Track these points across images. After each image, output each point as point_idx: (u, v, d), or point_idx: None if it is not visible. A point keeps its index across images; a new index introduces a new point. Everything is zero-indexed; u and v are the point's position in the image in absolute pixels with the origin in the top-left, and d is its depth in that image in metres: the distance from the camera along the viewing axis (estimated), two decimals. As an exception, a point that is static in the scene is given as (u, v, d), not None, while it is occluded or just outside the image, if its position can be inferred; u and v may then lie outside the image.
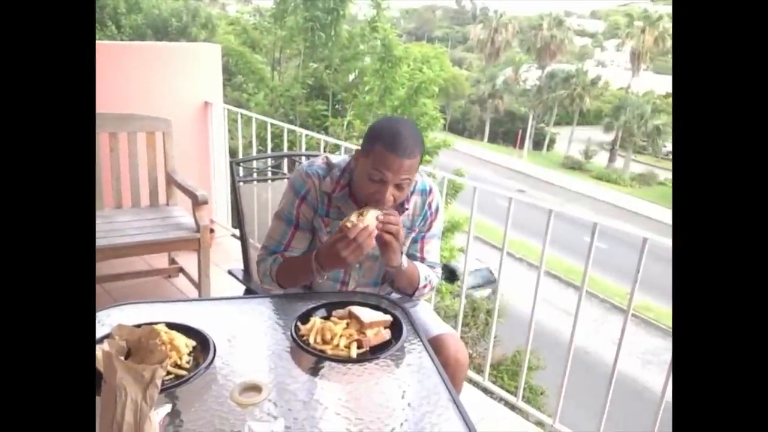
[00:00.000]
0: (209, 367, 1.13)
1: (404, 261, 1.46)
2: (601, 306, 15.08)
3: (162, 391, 1.05)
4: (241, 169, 2.10)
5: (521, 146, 32.23)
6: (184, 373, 1.10)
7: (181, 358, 1.14)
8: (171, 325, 1.23)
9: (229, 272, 1.95)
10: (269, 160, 2.31)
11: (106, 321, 1.31)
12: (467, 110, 36.25)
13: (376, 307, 1.35)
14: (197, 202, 2.57)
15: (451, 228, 7.52)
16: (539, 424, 2.36)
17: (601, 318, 14.30)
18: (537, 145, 33.59)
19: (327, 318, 1.31)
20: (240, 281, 1.90)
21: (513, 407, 2.38)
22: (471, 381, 2.46)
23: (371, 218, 1.33)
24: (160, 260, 3.13)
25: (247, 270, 1.95)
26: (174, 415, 1.02)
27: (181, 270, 2.96)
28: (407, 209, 1.55)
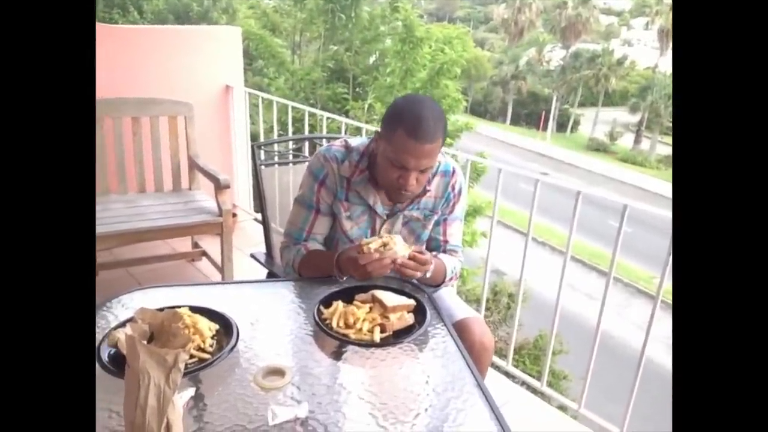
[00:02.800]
0: (232, 350, 1.13)
1: (431, 269, 1.41)
2: (625, 290, 14.89)
3: (185, 374, 1.05)
4: (262, 152, 2.09)
5: (544, 128, 31.73)
6: (207, 356, 1.10)
7: (204, 342, 1.14)
8: (194, 309, 1.23)
9: (252, 256, 1.95)
10: (290, 143, 2.29)
11: (129, 304, 1.32)
12: (489, 92, 35.75)
13: (400, 291, 1.33)
14: (219, 187, 2.57)
15: (473, 212, 7.44)
16: (562, 408, 2.33)
17: (624, 302, 14.12)
18: (561, 127, 33.02)
19: (349, 302, 1.29)
20: (262, 265, 1.90)
21: (536, 392, 2.35)
22: (494, 365, 2.43)
23: (393, 251, 1.30)
24: (183, 244, 3.15)
25: (269, 254, 1.95)
26: (197, 398, 1.02)
27: (204, 254, 2.98)
28: (429, 190, 1.52)
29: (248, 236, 3.41)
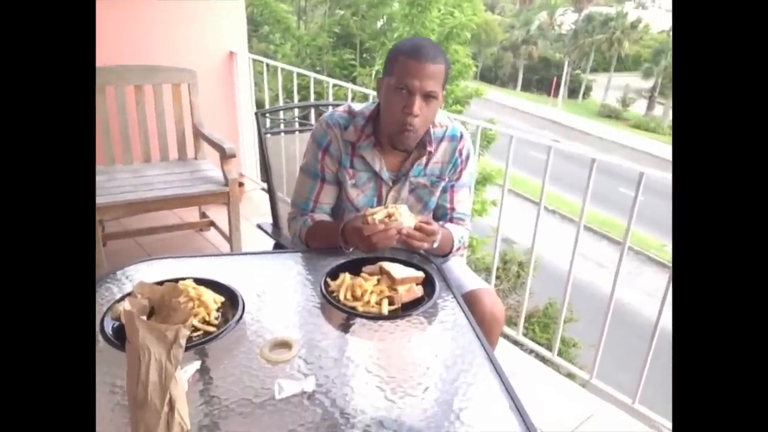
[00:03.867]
0: (238, 323, 1.11)
1: (438, 238, 1.37)
2: (636, 258, 14.84)
3: (191, 347, 1.04)
4: (267, 120, 2.04)
5: (556, 94, 31.20)
6: (212, 329, 1.08)
7: (209, 314, 1.11)
8: (199, 281, 1.20)
9: (258, 226, 1.93)
10: (296, 111, 2.23)
11: (134, 276, 1.30)
12: (500, 57, 35.10)
13: (408, 263, 1.30)
14: (225, 156, 2.54)
15: (483, 180, 7.35)
16: (570, 376, 2.32)
17: (635, 270, 14.10)
18: (572, 93, 32.45)
19: (357, 274, 1.26)
20: (269, 235, 1.88)
21: (546, 361, 2.34)
22: (503, 334, 2.42)
23: (399, 222, 1.26)
24: (191, 214, 3.14)
25: (276, 224, 1.92)
26: (203, 372, 1.00)
27: (212, 224, 2.96)
28: (431, 152, 1.48)
29: (256, 205, 3.38)
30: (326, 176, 1.51)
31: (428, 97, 1.34)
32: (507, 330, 2.40)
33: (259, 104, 4.81)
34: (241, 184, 3.36)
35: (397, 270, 1.23)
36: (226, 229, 2.69)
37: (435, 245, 1.40)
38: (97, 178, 2.53)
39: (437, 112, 1.43)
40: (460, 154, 1.52)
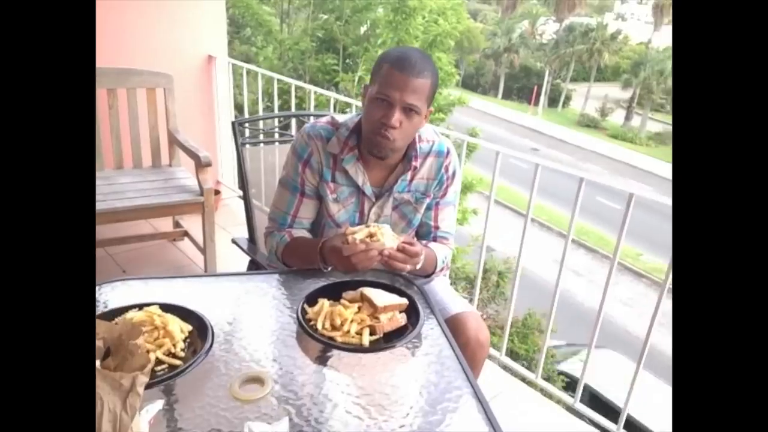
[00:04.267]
0: (206, 356, 1.02)
1: (421, 259, 1.31)
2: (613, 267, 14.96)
3: (154, 383, 0.95)
4: (247, 130, 1.96)
5: (536, 103, 31.52)
6: (178, 363, 1.00)
7: (175, 346, 1.03)
8: (166, 307, 1.12)
9: (233, 241, 1.84)
10: (275, 120, 2.15)
11: (98, 299, 1.20)
12: (481, 65, 35.32)
13: (391, 288, 1.23)
14: (200, 164, 2.44)
15: (464, 189, 7.32)
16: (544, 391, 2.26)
17: (611, 279, 14.21)
18: (552, 102, 32.81)
19: (336, 299, 1.19)
20: (245, 252, 1.79)
21: (530, 381, 2.29)
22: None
23: (381, 242, 1.20)
24: (165, 223, 3.03)
25: (252, 239, 1.84)
26: (167, 411, 0.92)
27: (186, 234, 2.86)
28: (416, 167, 1.42)
29: (233, 214, 3.28)
30: (306, 190, 1.44)
31: (409, 110, 1.28)
32: (491, 351, 2.34)
33: (239, 107, 4.70)
34: (217, 192, 3.25)
35: (379, 296, 1.16)
36: (200, 239, 2.59)
37: (418, 267, 1.34)
38: (65, 185, 2.42)
39: (420, 126, 1.37)
40: (447, 170, 1.46)
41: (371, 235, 1.21)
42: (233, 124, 1.83)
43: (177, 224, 2.96)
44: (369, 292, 1.17)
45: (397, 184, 1.43)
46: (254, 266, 1.76)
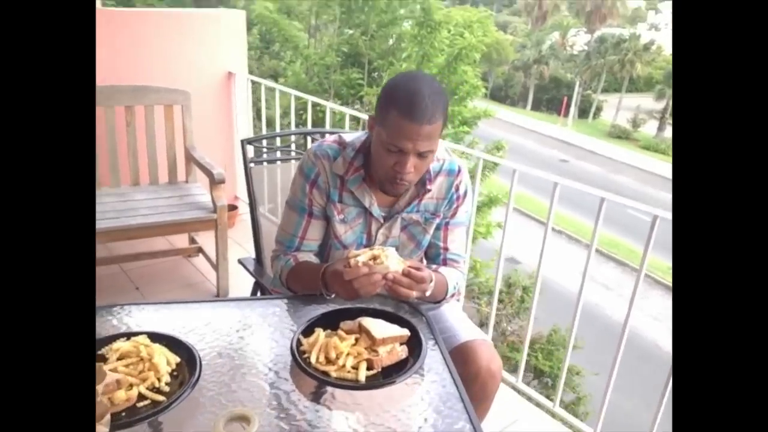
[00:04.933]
0: (192, 390, 0.97)
1: (430, 286, 1.24)
2: (643, 281, 14.55)
3: (137, 421, 0.90)
4: (263, 148, 1.91)
5: (566, 114, 31.10)
6: (161, 398, 0.95)
7: (160, 380, 0.98)
8: (155, 336, 1.07)
9: (240, 262, 1.80)
10: (291, 137, 2.11)
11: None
12: (510, 77, 35.12)
13: (393, 316, 1.16)
14: (214, 181, 2.42)
15: (489, 202, 7.21)
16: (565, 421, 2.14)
17: (642, 293, 13.76)
18: (583, 113, 32.33)
19: (335, 329, 1.12)
20: (250, 273, 1.75)
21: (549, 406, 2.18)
22: (504, 381, 2.26)
23: (385, 266, 1.12)
24: (181, 239, 3.02)
25: (258, 261, 1.80)
26: (144, 453, 0.86)
27: (201, 250, 2.84)
28: (430, 190, 1.35)
29: (249, 230, 3.25)
30: (314, 211, 1.39)
31: (423, 155, 1.21)
32: (508, 377, 2.24)
33: (271, 122, 4.71)
34: (234, 208, 3.24)
35: (378, 328, 1.09)
36: (214, 256, 2.56)
37: (428, 293, 1.27)
38: (81, 202, 2.43)
39: (433, 160, 1.30)
40: (457, 189, 1.39)
41: (375, 258, 1.14)
42: (242, 142, 1.80)
43: (192, 240, 2.95)
44: (367, 322, 1.10)
45: (406, 206, 1.37)
46: (258, 288, 1.71)
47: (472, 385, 1.30)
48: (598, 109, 32.45)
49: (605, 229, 14.96)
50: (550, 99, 33.62)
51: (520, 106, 34.58)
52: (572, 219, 15.13)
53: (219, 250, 2.47)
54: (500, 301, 7.37)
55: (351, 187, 1.34)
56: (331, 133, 1.52)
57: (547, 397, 2.16)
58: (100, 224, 2.27)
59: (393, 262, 1.13)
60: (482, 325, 7.64)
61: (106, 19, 2.80)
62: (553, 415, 2.09)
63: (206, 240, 2.82)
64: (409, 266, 1.16)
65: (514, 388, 2.21)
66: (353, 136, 1.39)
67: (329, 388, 1.02)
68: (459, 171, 1.39)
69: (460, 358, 1.32)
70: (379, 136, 1.22)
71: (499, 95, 35.08)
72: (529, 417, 2.09)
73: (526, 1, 36.28)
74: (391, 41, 8.41)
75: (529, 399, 2.18)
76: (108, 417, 0.64)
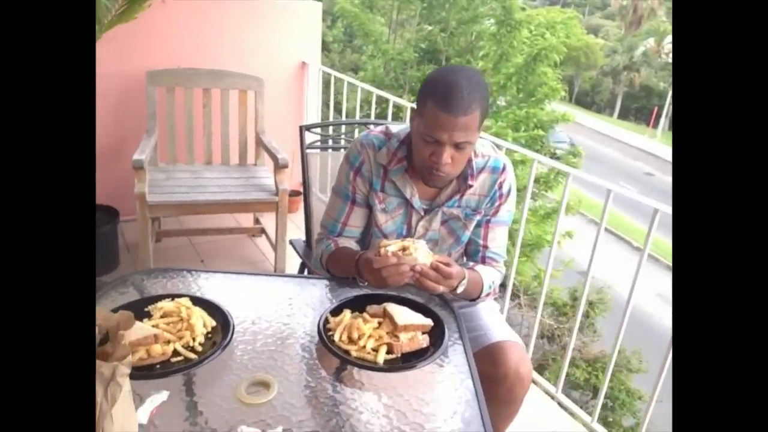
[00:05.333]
0: (222, 352, 1.04)
1: (462, 284, 1.26)
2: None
3: (167, 374, 0.99)
4: (320, 136, 1.98)
5: (655, 125, 29.45)
6: (193, 356, 1.02)
7: (194, 339, 1.06)
8: (196, 300, 1.16)
9: (290, 242, 1.88)
10: (351, 126, 2.17)
11: (149, 288, 1.28)
12: (598, 82, 33.69)
13: (422, 307, 1.18)
14: (278, 165, 2.53)
15: (553, 211, 7.00)
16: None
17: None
18: (674, 125, 30.49)
19: (362, 311, 1.16)
20: (299, 254, 1.82)
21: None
22: (547, 392, 2.22)
23: (413, 257, 1.15)
24: (246, 219, 3.17)
25: (308, 243, 1.87)
26: (171, 403, 0.94)
27: (263, 231, 2.97)
28: (472, 185, 1.36)
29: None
30: (357, 198, 1.43)
31: (460, 145, 1.23)
32: (547, 386, 2.20)
33: (342, 113, 4.82)
34: (299, 193, 3.35)
35: (402, 314, 1.12)
36: (274, 237, 2.67)
37: (459, 290, 1.28)
38: (157, 175, 2.61)
39: (472, 151, 1.32)
40: (500, 187, 1.39)
41: (404, 249, 1.17)
42: (301, 128, 1.87)
43: (257, 221, 3.09)
44: (392, 308, 1.13)
45: (448, 199, 1.38)
46: (305, 268, 1.78)
47: (500, 386, 1.30)
48: (692, 122, 30.46)
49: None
50: (639, 108, 31.95)
51: (607, 113, 33.12)
52: (656, 235, 14.35)
53: (279, 231, 2.57)
54: (564, 314, 7.14)
55: (393, 177, 1.37)
56: (382, 124, 1.56)
57: (605, 419, 2.10)
58: (172, 197, 2.43)
59: (422, 255, 1.16)
60: (543, 337, 7.44)
61: (192, 7, 2.98)
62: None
63: (269, 222, 2.95)
64: (438, 261, 1.18)
65: (573, 414, 2.16)
66: (399, 127, 1.42)
67: (349, 366, 1.06)
68: (504, 169, 1.39)
69: (490, 358, 1.31)
70: (418, 127, 1.24)
71: (584, 101, 33.78)
72: (566, 426, 2.04)
73: (620, 3, 34.62)
74: (470, 39, 8.32)
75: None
76: (129, 358, 0.70)
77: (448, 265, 1.19)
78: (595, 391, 6.07)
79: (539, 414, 2.06)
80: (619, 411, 6.06)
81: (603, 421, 5.90)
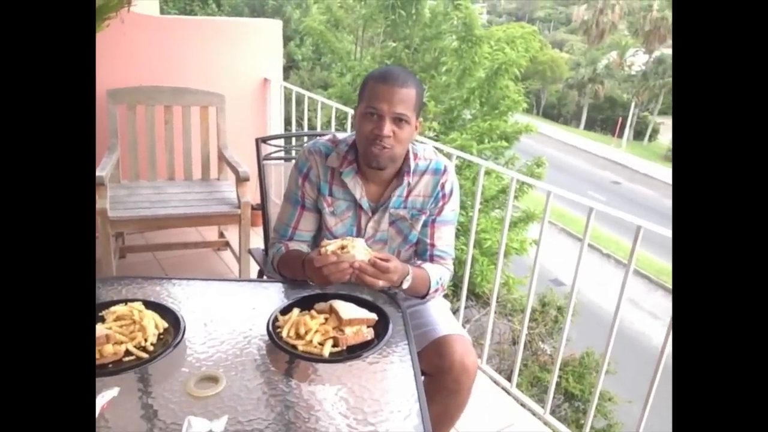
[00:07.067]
0: (173, 350, 1.09)
1: (407, 279, 1.34)
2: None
3: (119, 371, 1.03)
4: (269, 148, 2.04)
5: (620, 135, 30.27)
6: (144, 355, 1.07)
7: (146, 340, 1.11)
8: (148, 304, 1.20)
9: (249, 251, 1.93)
10: (305, 138, 2.24)
11: (104, 295, 1.31)
12: (564, 95, 34.54)
13: (365, 302, 1.25)
14: (239, 179, 2.58)
15: (526, 218, 7.17)
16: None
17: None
18: (638, 135, 31.39)
19: (310, 310, 1.22)
20: (256, 262, 1.87)
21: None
22: (505, 389, 2.29)
23: (351, 255, 1.22)
24: (211, 233, 3.20)
25: (266, 251, 1.92)
26: (121, 398, 0.98)
27: (227, 244, 3.00)
28: (409, 182, 1.45)
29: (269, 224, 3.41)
30: (306, 203, 1.50)
31: (399, 120, 1.34)
32: (503, 382, 2.27)
33: (313, 127, 4.88)
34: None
35: (347, 310, 1.18)
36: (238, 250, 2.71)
37: (405, 286, 1.35)
38: (119, 192, 2.63)
39: (412, 136, 1.41)
40: (443, 187, 1.48)
41: (343, 247, 1.24)
42: (257, 140, 1.94)
43: (221, 235, 3.12)
44: (338, 304, 1.19)
45: (393, 200, 1.46)
46: (262, 275, 1.83)
47: (447, 376, 1.37)
48: (655, 132, 31.43)
49: (657, 257, 14.44)
50: (605, 119, 32.84)
51: (573, 125, 33.94)
52: (622, 242, 14.70)
53: (242, 243, 2.61)
54: (534, 320, 7.27)
55: (345, 178, 1.45)
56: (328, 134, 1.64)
57: (576, 422, 2.15)
58: (134, 213, 2.46)
59: (359, 252, 1.23)
60: (515, 343, 7.56)
61: (154, 26, 3.03)
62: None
63: (233, 235, 2.99)
64: (376, 256, 1.25)
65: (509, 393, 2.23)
66: (346, 134, 1.51)
67: (296, 361, 1.12)
68: (445, 170, 1.48)
69: (437, 351, 1.39)
70: (360, 111, 1.37)
71: (551, 113, 34.57)
72: (522, 423, 2.12)
73: (582, 19, 35.69)
74: (434, 54, 8.52)
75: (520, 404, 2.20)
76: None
77: (387, 260, 1.26)
78: (566, 395, 6.19)
79: (495, 408, 2.13)
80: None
81: (576, 424, 6.00)
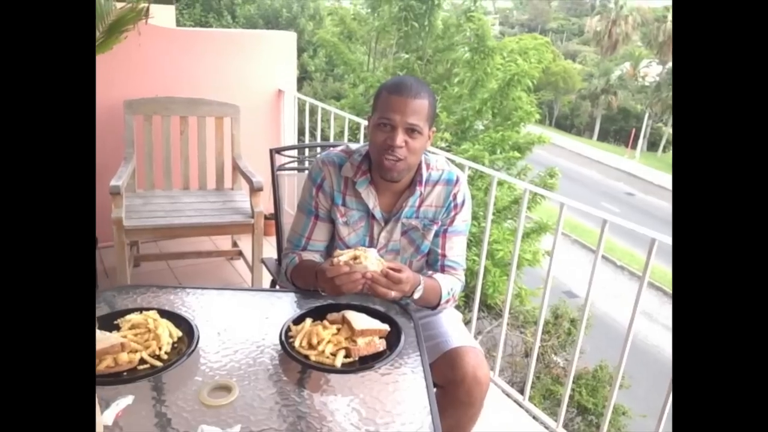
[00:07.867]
0: (187, 358, 1.10)
1: (418, 290, 1.34)
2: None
3: (134, 380, 1.04)
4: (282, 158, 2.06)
5: (633, 146, 30.07)
6: (159, 364, 1.08)
7: (160, 348, 1.12)
8: (163, 313, 1.21)
9: (262, 261, 1.94)
10: (318, 149, 2.26)
11: (120, 303, 1.33)
12: (577, 106, 34.44)
13: (378, 313, 1.25)
14: (253, 189, 2.60)
15: (539, 229, 7.13)
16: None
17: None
18: (652, 146, 31.17)
19: (322, 320, 1.23)
20: (270, 272, 1.88)
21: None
22: (515, 401, 2.27)
23: (364, 265, 1.22)
24: (224, 242, 3.22)
25: (279, 261, 1.93)
26: (136, 407, 0.99)
27: (241, 253, 3.02)
28: (420, 192, 1.46)
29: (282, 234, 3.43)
30: (320, 213, 1.51)
31: (412, 131, 1.35)
32: (515, 395, 2.25)
33: (326, 138, 4.93)
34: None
35: (360, 320, 1.18)
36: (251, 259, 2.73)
37: (416, 296, 1.35)
38: (134, 201, 2.67)
39: (425, 146, 1.42)
40: (455, 198, 1.48)
41: (355, 258, 1.24)
42: (270, 151, 1.96)
43: (235, 244, 3.14)
44: (350, 315, 1.20)
45: (405, 209, 1.46)
46: (275, 285, 1.84)
47: (459, 388, 1.36)
48: (669, 143, 31.17)
49: (670, 268, 14.24)
50: (618, 130, 32.68)
51: (586, 135, 33.81)
52: (636, 255, 14.54)
53: (255, 253, 2.63)
54: (546, 332, 7.20)
55: (359, 188, 1.46)
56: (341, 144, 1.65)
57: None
58: (149, 221, 2.49)
59: (372, 263, 1.23)
60: (527, 355, 7.50)
61: (170, 38, 3.08)
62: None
63: (247, 245, 3.01)
64: (389, 267, 1.25)
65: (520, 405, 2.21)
66: (359, 145, 1.52)
67: (308, 370, 1.12)
68: (457, 180, 1.48)
69: (449, 363, 1.38)
70: (373, 122, 1.38)
71: (564, 124, 34.49)
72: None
73: (595, 30, 35.62)
74: (446, 66, 8.56)
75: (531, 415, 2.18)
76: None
77: (399, 271, 1.27)
78: (579, 408, 6.11)
79: (507, 421, 2.11)
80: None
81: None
